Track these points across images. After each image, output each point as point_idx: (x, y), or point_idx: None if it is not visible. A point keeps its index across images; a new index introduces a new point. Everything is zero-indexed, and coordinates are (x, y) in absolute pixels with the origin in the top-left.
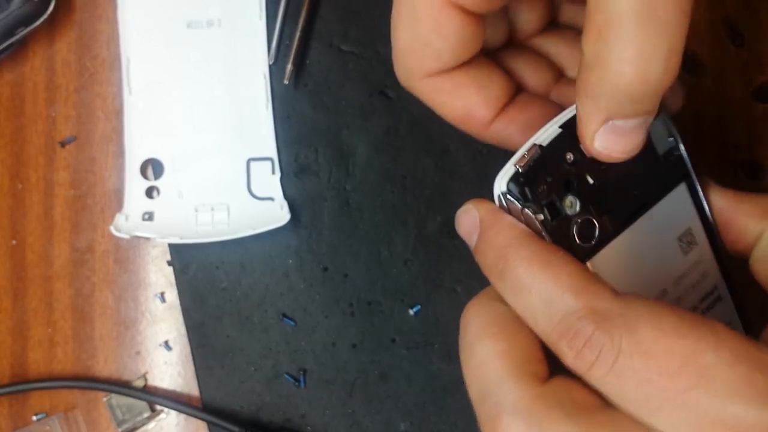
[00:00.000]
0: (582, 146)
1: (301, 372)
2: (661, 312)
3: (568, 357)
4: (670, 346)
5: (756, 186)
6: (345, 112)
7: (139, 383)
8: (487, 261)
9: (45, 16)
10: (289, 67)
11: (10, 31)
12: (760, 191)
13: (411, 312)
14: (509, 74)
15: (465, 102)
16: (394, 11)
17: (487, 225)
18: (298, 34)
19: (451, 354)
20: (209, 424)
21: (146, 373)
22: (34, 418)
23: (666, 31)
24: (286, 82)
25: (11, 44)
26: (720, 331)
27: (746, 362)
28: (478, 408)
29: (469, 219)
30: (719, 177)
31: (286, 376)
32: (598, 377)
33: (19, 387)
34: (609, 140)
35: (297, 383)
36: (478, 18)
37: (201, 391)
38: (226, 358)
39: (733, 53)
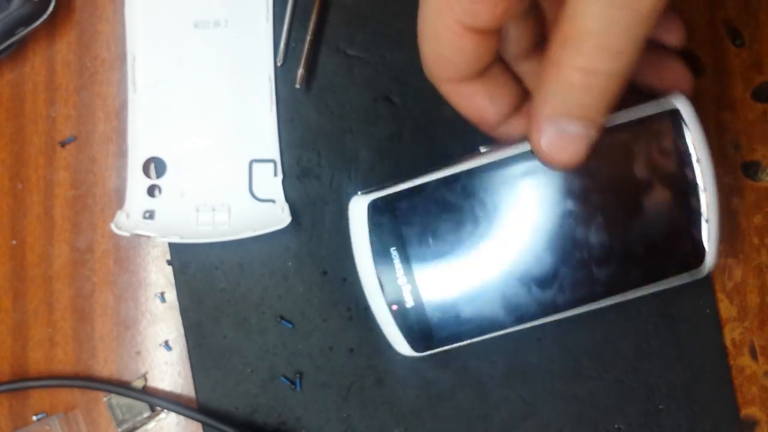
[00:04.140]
0: (531, 147)
1: (298, 375)
2: None
3: None
4: None
5: (756, 186)
6: (349, 117)
7: (139, 383)
8: None
9: (45, 16)
10: (301, 71)
11: (10, 31)
12: (760, 191)
13: None
14: (522, 80)
15: (478, 107)
16: (419, 27)
17: None
18: (309, 38)
19: (447, 361)
20: (204, 425)
21: (146, 373)
22: (34, 417)
23: (616, 59)
24: (297, 86)
25: (11, 44)
26: None
27: None
28: None
29: None
30: (719, 176)
31: (282, 378)
32: None
33: (19, 384)
34: (553, 140)
35: (293, 386)
36: (491, 34)
37: (196, 392)
38: (223, 359)
39: (733, 53)
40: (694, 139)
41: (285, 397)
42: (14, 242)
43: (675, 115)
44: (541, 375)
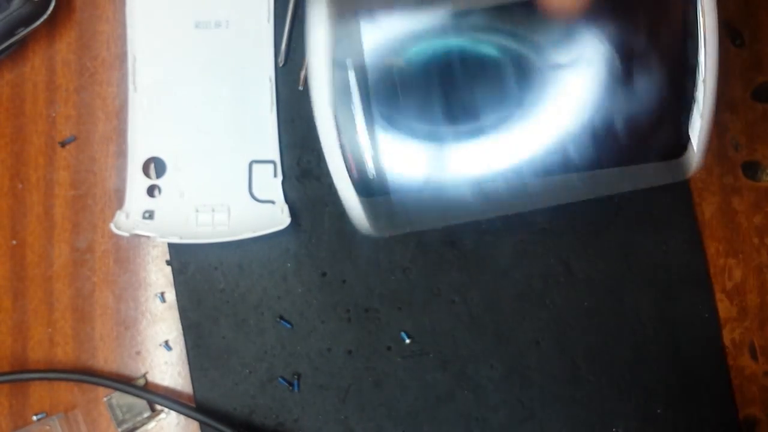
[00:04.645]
0: None
1: (296, 376)
2: None
3: None
4: None
5: (756, 186)
6: None
7: (140, 383)
8: None
9: (45, 16)
10: (303, 72)
11: (10, 31)
12: (760, 191)
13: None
14: None
15: None
16: None
17: None
18: None
19: (446, 363)
20: (202, 424)
21: (146, 373)
22: (34, 417)
23: None
24: (300, 88)
25: (11, 44)
26: None
27: None
28: None
29: None
30: (719, 176)
31: (280, 379)
32: None
33: (19, 376)
34: None
35: (291, 387)
36: None
37: (194, 392)
38: (221, 359)
39: (733, 53)
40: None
41: (283, 398)
42: (14, 242)
43: None
44: (539, 378)
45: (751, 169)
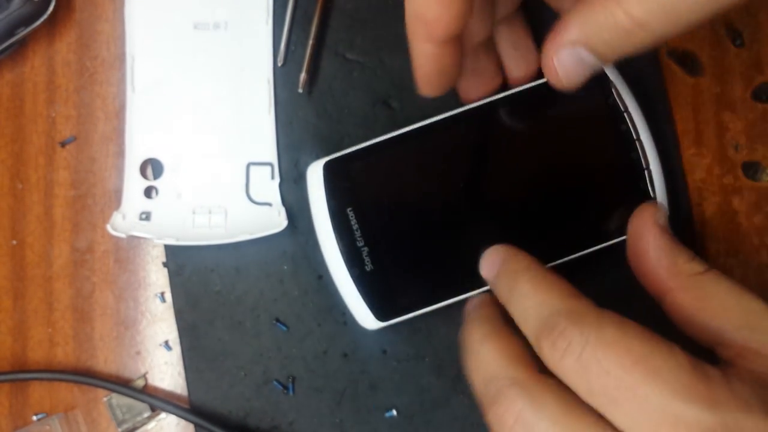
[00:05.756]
0: (542, 62)
1: (291, 379)
2: (627, 322)
3: (545, 349)
4: (629, 346)
5: (756, 186)
6: (347, 121)
7: (140, 383)
8: (501, 282)
9: (45, 16)
10: (303, 75)
11: (10, 31)
12: (760, 191)
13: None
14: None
15: None
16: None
17: (506, 257)
18: (311, 41)
19: (441, 368)
20: (196, 426)
21: (146, 373)
22: (34, 417)
23: (670, 26)
24: (300, 90)
25: (11, 44)
26: (674, 347)
27: (691, 371)
28: (483, 395)
29: (493, 256)
30: (719, 176)
31: (275, 382)
32: (567, 367)
33: (19, 375)
34: (566, 63)
35: (286, 390)
36: None
37: (189, 394)
38: (217, 361)
39: (733, 53)
40: (620, 91)
41: (278, 401)
42: (14, 242)
43: (599, 75)
44: None
45: (751, 169)
